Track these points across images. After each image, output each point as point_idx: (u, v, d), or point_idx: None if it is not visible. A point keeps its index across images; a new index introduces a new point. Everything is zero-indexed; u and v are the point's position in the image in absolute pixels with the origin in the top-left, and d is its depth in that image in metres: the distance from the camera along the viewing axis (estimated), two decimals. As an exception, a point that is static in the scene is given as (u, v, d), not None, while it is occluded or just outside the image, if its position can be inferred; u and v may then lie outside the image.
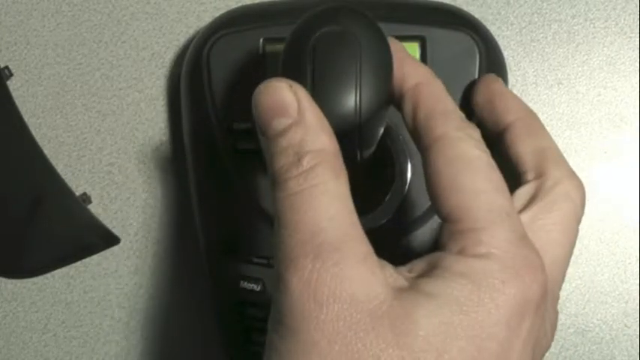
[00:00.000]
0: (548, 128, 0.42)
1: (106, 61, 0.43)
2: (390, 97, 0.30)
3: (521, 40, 0.42)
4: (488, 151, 0.28)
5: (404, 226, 0.37)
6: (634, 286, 0.42)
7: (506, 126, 0.32)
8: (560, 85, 0.42)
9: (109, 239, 0.42)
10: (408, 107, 0.30)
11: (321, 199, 0.25)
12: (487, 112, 0.33)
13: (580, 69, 0.42)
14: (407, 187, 0.36)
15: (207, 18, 0.42)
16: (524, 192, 0.30)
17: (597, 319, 0.42)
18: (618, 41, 0.42)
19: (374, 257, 0.26)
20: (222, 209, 0.39)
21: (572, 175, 0.30)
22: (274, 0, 0.41)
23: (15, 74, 0.43)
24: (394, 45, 0.31)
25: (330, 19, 0.28)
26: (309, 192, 0.26)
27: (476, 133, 0.29)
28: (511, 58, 0.42)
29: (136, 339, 0.43)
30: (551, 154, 0.31)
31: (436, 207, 0.28)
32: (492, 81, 0.35)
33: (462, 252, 0.26)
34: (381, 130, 0.31)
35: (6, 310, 0.43)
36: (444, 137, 0.28)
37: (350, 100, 0.28)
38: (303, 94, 0.27)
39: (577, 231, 0.30)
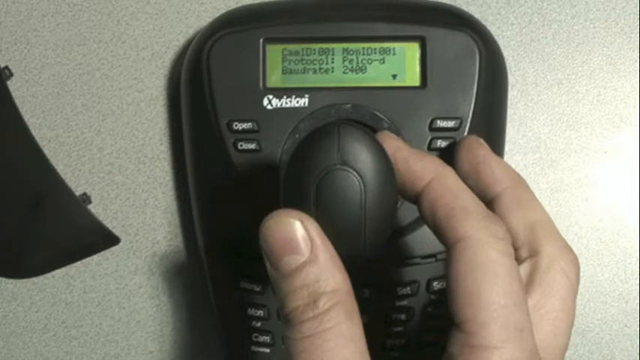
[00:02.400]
0: (548, 128, 0.43)
1: (106, 61, 0.43)
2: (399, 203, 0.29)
3: (521, 40, 0.42)
4: (511, 251, 0.27)
5: (404, 226, 0.37)
6: (634, 286, 0.42)
7: (494, 196, 0.31)
8: (560, 85, 0.42)
9: (109, 239, 0.42)
10: (425, 208, 0.29)
11: (335, 342, 0.25)
12: (473, 180, 0.32)
13: (580, 69, 0.42)
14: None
15: (207, 18, 0.42)
16: (520, 272, 0.29)
17: (597, 319, 0.42)
18: (618, 41, 0.42)
19: None
20: (222, 209, 0.39)
21: (566, 248, 0.30)
22: (274, 0, 0.41)
23: (15, 74, 0.43)
24: (394, 143, 0.31)
25: (330, 150, 0.27)
26: (323, 335, 0.25)
27: (500, 230, 0.28)
28: (511, 58, 0.42)
29: (135, 339, 0.43)
30: (543, 228, 0.30)
31: (451, 312, 0.27)
32: (476, 147, 0.33)
33: None
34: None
35: (6, 310, 0.43)
36: (464, 239, 0.27)
37: (357, 238, 0.28)
38: (315, 230, 0.26)
39: (575, 305, 0.30)
